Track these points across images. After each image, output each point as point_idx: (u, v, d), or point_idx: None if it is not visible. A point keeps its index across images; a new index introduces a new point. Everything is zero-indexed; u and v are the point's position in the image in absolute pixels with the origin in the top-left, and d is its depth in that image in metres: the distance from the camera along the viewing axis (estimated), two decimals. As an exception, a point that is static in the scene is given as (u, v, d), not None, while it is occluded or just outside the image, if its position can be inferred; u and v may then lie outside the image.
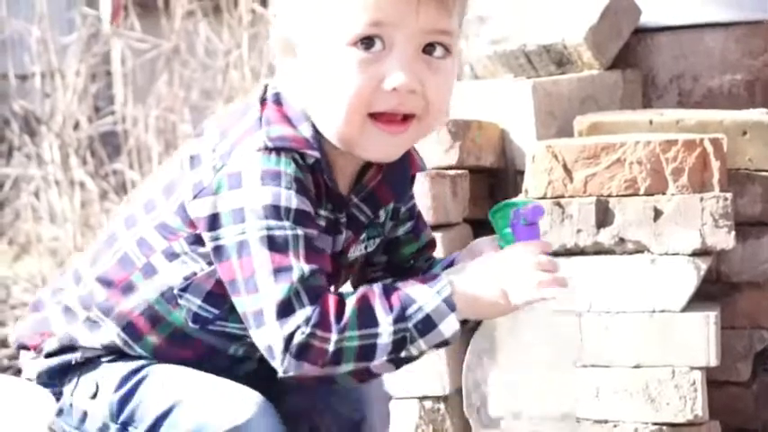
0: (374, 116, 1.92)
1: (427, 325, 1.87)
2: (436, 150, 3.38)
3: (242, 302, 1.89)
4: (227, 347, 2.07)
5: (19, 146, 6.40)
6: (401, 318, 1.85)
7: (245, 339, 1.99)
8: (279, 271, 1.85)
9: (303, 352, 1.83)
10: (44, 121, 6.25)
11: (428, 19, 1.90)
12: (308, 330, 1.82)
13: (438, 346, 1.90)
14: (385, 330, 1.85)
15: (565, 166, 3.10)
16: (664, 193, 3.05)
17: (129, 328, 2.05)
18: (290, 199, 1.88)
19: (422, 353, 1.90)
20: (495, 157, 3.50)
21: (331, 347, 1.83)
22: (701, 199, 3.02)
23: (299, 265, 1.85)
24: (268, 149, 1.91)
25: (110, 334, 2.05)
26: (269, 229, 1.87)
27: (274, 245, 1.86)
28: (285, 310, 1.83)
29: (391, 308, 1.86)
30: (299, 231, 1.87)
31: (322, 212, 1.98)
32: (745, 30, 3.80)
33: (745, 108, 3.55)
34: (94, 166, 6.20)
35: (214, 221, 1.91)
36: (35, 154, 6.24)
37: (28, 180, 6.26)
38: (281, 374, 1.86)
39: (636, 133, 3.25)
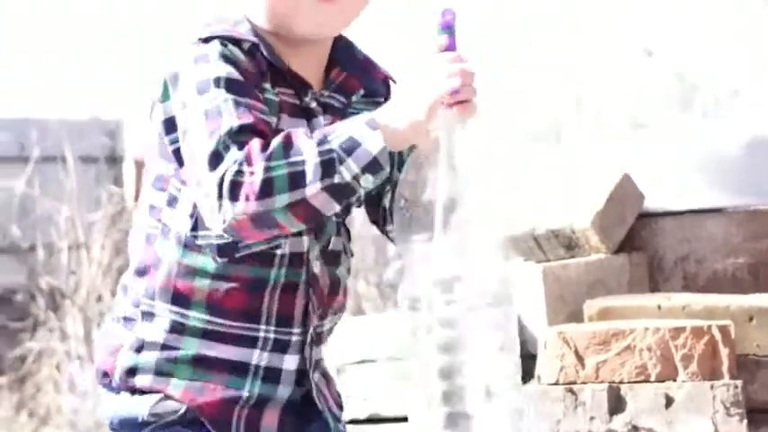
0: None
1: (351, 144, 1.83)
2: (448, 335, 3.30)
3: (191, 179, 1.91)
4: (269, 276, 1.98)
5: (44, 320, 6.40)
6: (324, 141, 1.83)
7: (279, 258, 1.97)
8: (212, 133, 1.85)
9: (233, 190, 1.80)
10: (68, 295, 6.28)
11: None
12: (234, 168, 1.80)
13: (370, 168, 1.83)
14: (310, 154, 1.82)
15: (576, 353, 3.04)
16: (674, 380, 2.97)
17: (175, 299, 2.00)
18: (219, 69, 1.90)
19: (356, 178, 1.83)
20: (507, 341, 3.40)
21: (258, 178, 1.80)
22: (712, 386, 2.93)
23: (229, 122, 1.84)
24: (201, 40, 1.95)
25: (164, 317, 2.00)
26: (205, 103, 1.88)
27: (209, 115, 1.87)
28: (215, 160, 1.83)
29: (313, 137, 1.84)
30: (230, 96, 1.87)
31: (269, 89, 1.98)
32: (747, 215, 3.74)
33: (749, 292, 3.48)
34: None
35: (169, 125, 1.95)
36: (59, 328, 6.26)
37: (50, 354, 6.26)
38: (222, 228, 1.84)
39: (645, 319, 3.17)
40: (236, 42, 1.96)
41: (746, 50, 6.49)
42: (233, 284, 1.98)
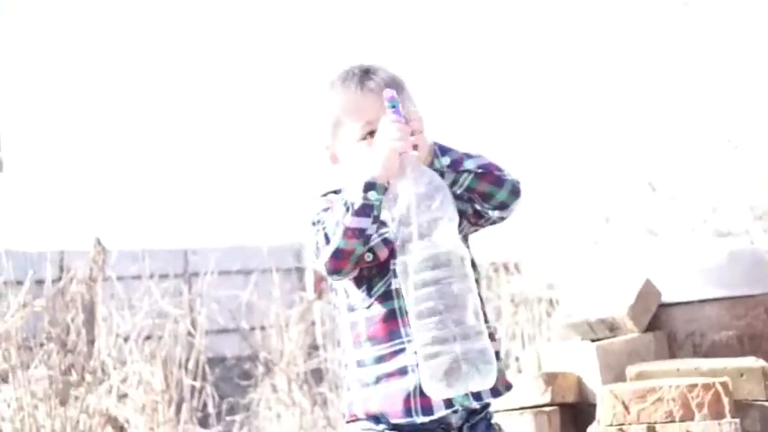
0: None
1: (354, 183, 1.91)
2: (534, 393, 3.27)
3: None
4: (394, 305, 1.97)
5: (261, 379, 6.41)
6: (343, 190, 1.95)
7: (394, 292, 1.96)
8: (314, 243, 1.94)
9: (317, 249, 1.93)
10: (276, 362, 6.27)
11: (399, 103, 1.96)
12: (314, 241, 1.94)
13: (367, 188, 1.89)
14: (338, 207, 1.91)
15: (623, 403, 2.96)
16: (692, 420, 2.89)
17: (354, 345, 1.99)
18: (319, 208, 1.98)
19: (365, 197, 1.89)
20: (574, 396, 3.36)
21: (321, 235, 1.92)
22: (719, 424, 2.86)
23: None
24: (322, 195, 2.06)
25: (351, 361, 2.00)
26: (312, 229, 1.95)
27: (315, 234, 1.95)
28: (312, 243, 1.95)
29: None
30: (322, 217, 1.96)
31: None
32: (731, 301, 3.65)
33: (739, 355, 3.43)
34: (308, 391, 6.16)
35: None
36: (270, 384, 6.25)
37: (266, 401, 6.26)
38: (324, 269, 1.94)
39: (668, 378, 3.10)
40: (335, 191, 2.04)
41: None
42: (377, 320, 1.97)
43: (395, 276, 1.93)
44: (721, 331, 3.62)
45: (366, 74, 2.04)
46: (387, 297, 1.96)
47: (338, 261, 1.90)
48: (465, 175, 1.98)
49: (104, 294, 5.83)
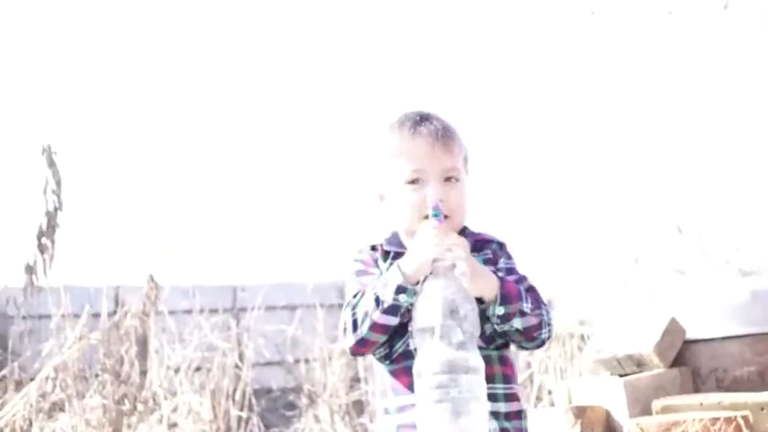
0: (426, 217, 2.02)
1: (387, 281, 1.97)
2: (565, 426, 3.30)
3: None
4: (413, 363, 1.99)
5: (305, 410, 6.45)
6: (375, 286, 1.99)
7: (414, 352, 1.99)
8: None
9: (344, 330, 1.99)
10: (319, 394, 6.31)
11: (442, 164, 2.06)
12: (342, 318, 2.01)
13: (399, 291, 1.95)
14: (369, 297, 1.97)
15: None
16: None
17: (384, 398, 2.07)
18: (353, 267, 2.09)
19: (395, 299, 1.95)
20: (603, 429, 3.38)
21: (350, 320, 1.99)
22: None
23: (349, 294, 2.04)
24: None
25: (380, 408, 2.08)
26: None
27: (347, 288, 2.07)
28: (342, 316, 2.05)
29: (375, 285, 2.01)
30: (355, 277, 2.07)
31: (382, 264, 2.10)
32: (753, 338, 3.65)
33: (759, 390, 3.43)
34: (350, 422, 6.21)
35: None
36: (313, 415, 6.29)
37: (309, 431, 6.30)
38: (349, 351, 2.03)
39: (692, 412, 3.12)
40: (373, 247, 2.13)
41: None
42: (399, 374, 2.04)
43: (412, 337, 1.99)
44: (743, 367, 3.63)
45: (421, 120, 2.11)
46: (407, 356, 2.03)
47: (361, 348, 2.01)
48: (509, 327, 2.03)
49: (156, 328, 5.95)
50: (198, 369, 6.05)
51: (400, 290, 1.95)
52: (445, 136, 2.08)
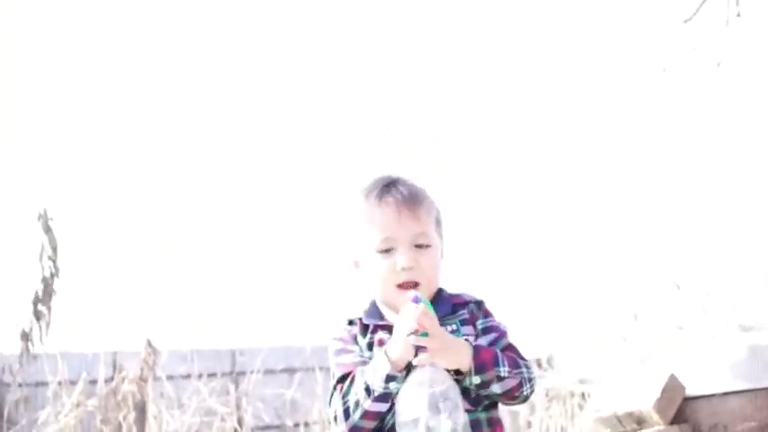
0: (400, 285, 2.04)
1: (374, 370, 1.97)
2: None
3: None
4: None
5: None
6: (363, 374, 1.98)
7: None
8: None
9: (335, 418, 2.00)
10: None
11: (410, 231, 2.06)
12: (331, 406, 2.03)
13: (388, 380, 1.94)
14: (359, 386, 1.96)
15: None
16: None
17: None
18: (334, 346, 2.09)
19: (385, 388, 1.94)
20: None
21: (340, 409, 1.99)
22: None
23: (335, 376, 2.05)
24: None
25: None
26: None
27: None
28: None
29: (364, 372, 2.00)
30: (336, 360, 2.06)
31: (364, 339, 2.08)
32: (753, 394, 3.63)
33: None
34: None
35: None
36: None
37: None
38: None
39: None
40: (351, 322, 2.12)
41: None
42: None
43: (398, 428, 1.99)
44: (744, 422, 3.61)
45: (387, 187, 2.11)
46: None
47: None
48: (489, 392, 2.02)
49: (155, 393, 5.92)
50: (196, 435, 6.00)
51: (390, 378, 1.96)
52: (412, 202, 2.09)
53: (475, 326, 2.10)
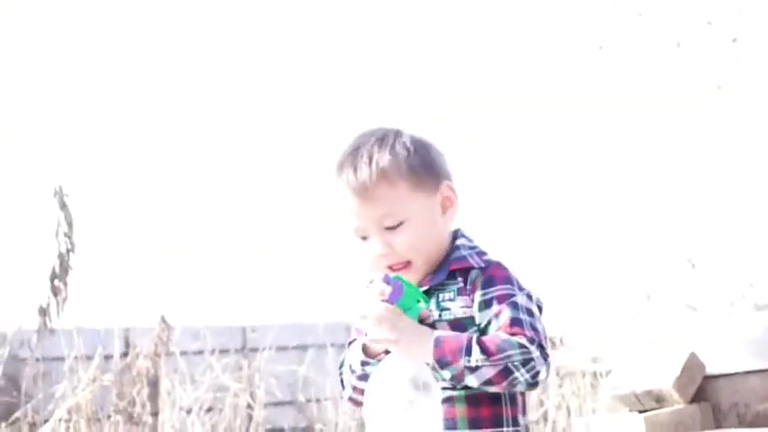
0: (390, 267, 1.87)
1: (348, 353, 1.93)
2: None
3: None
4: None
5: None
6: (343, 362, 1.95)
7: None
8: None
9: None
10: (332, 434, 6.27)
11: (372, 217, 1.85)
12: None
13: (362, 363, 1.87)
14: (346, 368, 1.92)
15: None
16: None
17: None
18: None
19: (360, 369, 1.88)
20: (624, 465, 3.38)
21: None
22: None
23: None
24: None
25: None
26: None
27: None
28: None
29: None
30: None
31: None
32: (775, 372, 3.65)
33: None
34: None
35: None
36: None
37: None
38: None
39: (715, 448, 3.11)
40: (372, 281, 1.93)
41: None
42: None
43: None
44: (765, 402, 3.59)
45: (342, 169, 1.89)
46: None
47: (353, 404, 1.93)
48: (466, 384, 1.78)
49: (168, 369, 5.93)
50: (209, 410, 6.02)
51: (364, 363, 1.88)
52: (364, 186, 1.85)
53: (473, 297, 1.83)
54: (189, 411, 5.91)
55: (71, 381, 5.41)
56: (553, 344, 6.64)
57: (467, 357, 1.74)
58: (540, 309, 1.87)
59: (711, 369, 3.66)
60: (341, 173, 1.88)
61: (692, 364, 3.61)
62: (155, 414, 5.82)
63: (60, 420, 5.17)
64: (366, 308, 1.83)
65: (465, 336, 1.77)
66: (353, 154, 1.88)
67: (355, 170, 1.86)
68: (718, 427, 3.58)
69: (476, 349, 1.74)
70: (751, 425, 3.53)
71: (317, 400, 6.78)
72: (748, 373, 3.63)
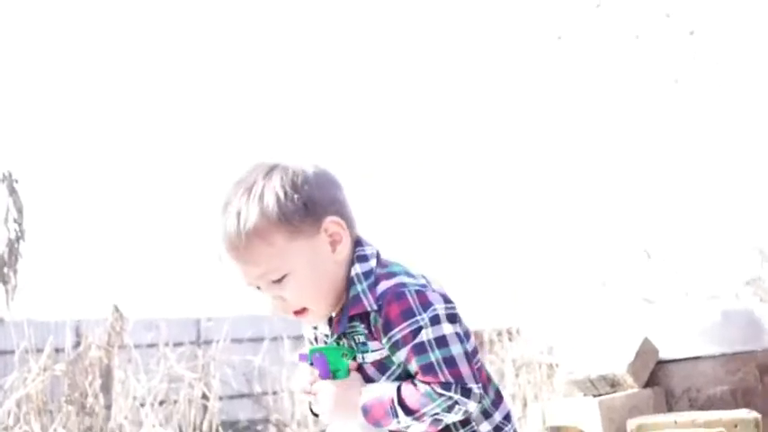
0: (294, 313, 1.83)
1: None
2: (541, 446, 3.32)
3: None
4: None
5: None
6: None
7: None
8: None
9: None
10: (287, 423, 6.28)
11: (254, 276, 1.78)
12: None
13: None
14: None
15: None
16: None
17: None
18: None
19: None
20: (578, 449, 3.41)
21: None
22: None
23: None
24: None
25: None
26: None
27: None
28: None
29: None
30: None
31: (314, 329, 1.91)
32: (725, 358, 3.70)
33: (732, 408, 3.45)
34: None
35: None
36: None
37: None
38: None
39: (667, 430, 3.11)
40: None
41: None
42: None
43: None
44: (716, 386, 3.66)
45: (219, 231, 1.81)
46: None
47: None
48: None
49: (121, 359, 5.88)
50: (163, 401, 5.98)
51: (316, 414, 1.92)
52: (236, 250, 1.77)
53: (382, 341, 1.78)
54: (143, 403, 5.86)
55: (21, 371, 5.34)
56: (510, 335, 6.68)
57: (395, 419, 1.75)
58: (444, 298, 1.80)
59: (664, 354, 3.71)
60: (216, 232, 1.81)
61: (646, 349, 3.66)
62: (108, 405, 5.77)
63: (10, 412, 5.10)
64: (302, 386, 1.87)
65: (387, 397, 1.76)
66: (223, 211, 1.79)
67: (226, 231, 1.77)
68: (671, 410, 3.62)
69: (399, 411, 1.75)
70: (703, 408, 3.58)
71: (274, 392, 6.76)
72: (700, 358, 3.70)
